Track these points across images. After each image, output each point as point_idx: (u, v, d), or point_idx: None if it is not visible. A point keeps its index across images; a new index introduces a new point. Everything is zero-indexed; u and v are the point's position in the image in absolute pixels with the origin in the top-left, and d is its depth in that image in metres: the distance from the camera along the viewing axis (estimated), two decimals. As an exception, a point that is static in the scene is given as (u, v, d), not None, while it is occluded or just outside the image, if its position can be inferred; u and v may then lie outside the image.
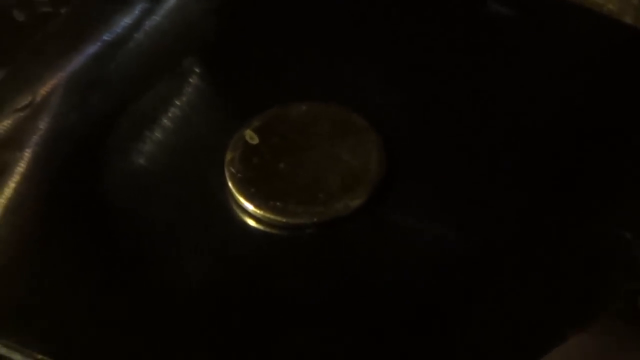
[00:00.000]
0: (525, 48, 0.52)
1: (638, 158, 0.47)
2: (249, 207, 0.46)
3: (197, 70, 0.51)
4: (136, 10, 0.51)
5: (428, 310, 0.44)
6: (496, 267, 0.45)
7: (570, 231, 0.45)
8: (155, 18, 0.51)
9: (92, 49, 0.50)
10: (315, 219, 0.45)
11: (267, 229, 0.46)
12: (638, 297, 0.47)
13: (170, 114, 0.50)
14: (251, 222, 0.46)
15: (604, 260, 0.44)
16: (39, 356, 0.42)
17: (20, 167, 0.48)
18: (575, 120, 0.49)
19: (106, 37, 0.50)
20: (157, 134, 0.49)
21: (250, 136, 0.48)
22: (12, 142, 0.49)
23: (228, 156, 0.47)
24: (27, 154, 0.48)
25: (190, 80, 0.51)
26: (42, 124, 0.49)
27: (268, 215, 0.46)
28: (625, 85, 0.50)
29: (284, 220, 0.46)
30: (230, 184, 0.47)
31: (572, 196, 0.46)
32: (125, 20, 0.51)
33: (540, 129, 0.49)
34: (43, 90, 0.49)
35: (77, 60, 0.50)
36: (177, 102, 0.50)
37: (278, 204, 0.46)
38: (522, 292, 0.44)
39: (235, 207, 0.46)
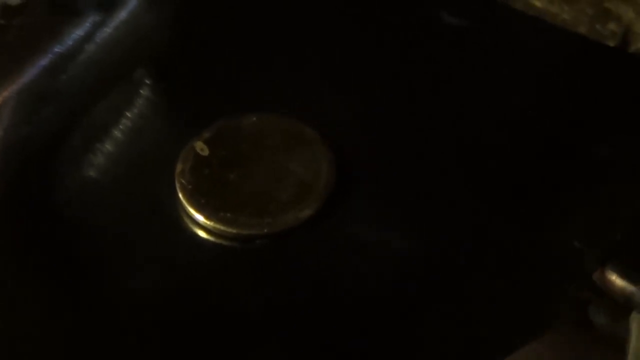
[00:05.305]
0: (479, 59, 0.52)
1: (588, 168, 0.48)
2: (200, 218, 0.46)
3: (148, 82, 0.51)
4: (87, 23, 0.51)
5: (379, 321, 0.44)
6: (447, 277, 0.45)
7: (521, 241, 0.45)
8: (107, 30, 0.51)
9: (43, 61, 0.50)
10: (265, 230, 0.46)
11: (218, 240, 0.46)
12: (589, 306, 0.47)
13: (121, 126, 0.50)
14: (201, 233, 0.46)
15: (555, 269, 0.45)
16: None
17: (-29, 180, 0.47)
18: (528, 131, 0.49)
19: (57, 49, 0.50)
20: (108, 146, 0.49)
21: (201, 147, 0.48)
22: (-38, 155, 0.49)
23: (178, 167, 0.47)
24: (-22, 166, 0.48)
25: (142, 91, 0.51)
26: (-6, 137, 0.49)
27: (218, 226, 0.46)
28: (578, 96, 0.50)
29: (235, 231, 0.46)
30: (180, 195, 0.46)
31: (524, 206, 0.46)
32: (77, 33, 0.51)
33: (492, 140, 0.49)
34: (-6, 102, 0.49)
35: (29, 73, 0.49)
36: (128, 114, 0.50)
37: (228, 215, 0.46)
38: (472, 302, 0.44)
39: (185, 219, 0.46)
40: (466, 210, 0.46)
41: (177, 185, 0.47)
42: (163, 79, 0.52)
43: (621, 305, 0.44)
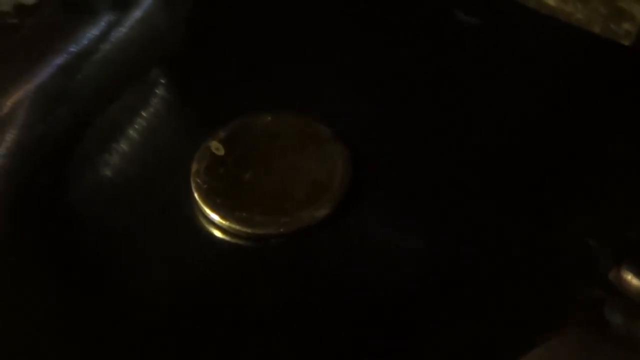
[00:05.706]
0: (493, 58, 0.52)
1: (603, 166, 0.47)
2: (215, 217, 0.46)
3: (163, 81, 0.51)
4: (102, 22, 0.51)
5: (394, 319, 0.44)
6: (460, 276, 0.45)
7: (535, 239, 0.45)
8: (122, 29, 0.51)
9: (58, 60, 0.50)
10: (281, 229, 0.46)
11: (233, 240, 0.46)
12: (604, 306, 0.47)
13: (136, 125, 0.50)
14: (217, 233, 0.46)
15: (568, 268, 0.45)
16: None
17: (-14, 180, 0.48)
18: (544, 129, 0.49)
19: (72, 48, 0.50)
20: (124, 145, 0.49)
21: (216, 147, 0.48)
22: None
23: (194, 167, 0.47)
24: (-7, 166, 0.48)
25: (157, 91, 0.51)
26: (9, 136, 0.49)
27: (234, 225, 0.46)
28: (593, 95, 0.50)
29: (250, 230, 0.46)
30: (196, 195, 0.47)
31: (537, 205, 0.46)
32: (92, 32, 0.51)
33: (506, 139, 0.49)
34: (9, 102, 0.49)
35: (44, 72, 0.49)
36: (144, 114, 0.50)
37: (244, 214, 0.46)
38: (487, 302, 0.44)
39: (201, 218, 0.46)
40: (481, 210, 0.46)
41: (193, 185, 0.47)
42: (178, 79, 0.52)
43: (637, 305, 0.44)
